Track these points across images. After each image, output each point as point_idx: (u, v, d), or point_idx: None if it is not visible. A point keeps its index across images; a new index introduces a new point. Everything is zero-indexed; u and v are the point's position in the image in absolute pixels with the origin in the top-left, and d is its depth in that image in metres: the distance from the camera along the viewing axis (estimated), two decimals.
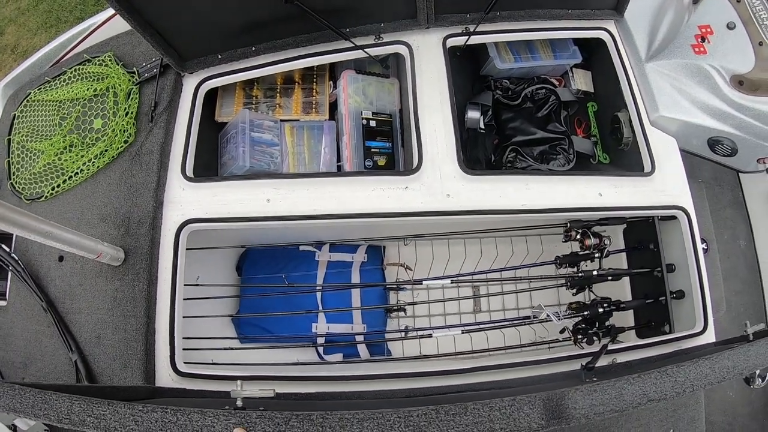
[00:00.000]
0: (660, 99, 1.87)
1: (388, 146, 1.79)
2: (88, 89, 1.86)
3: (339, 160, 1.78)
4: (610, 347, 1.65)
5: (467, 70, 2.09)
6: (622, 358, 1.65)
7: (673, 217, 1.80)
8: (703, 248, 2.23)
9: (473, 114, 1.91)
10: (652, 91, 1.88)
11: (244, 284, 1.91)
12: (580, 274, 1.76)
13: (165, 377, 1.49)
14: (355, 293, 1.86)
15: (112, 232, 1.62)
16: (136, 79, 1.81)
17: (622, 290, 2.02)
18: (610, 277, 1.79)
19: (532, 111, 1.98)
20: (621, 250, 1.98)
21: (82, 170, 1.76)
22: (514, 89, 1.97)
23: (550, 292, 1.97)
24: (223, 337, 1.77)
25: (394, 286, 1.88)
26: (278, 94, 1.84)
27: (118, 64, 1.86)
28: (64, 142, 1.81)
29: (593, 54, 2.07)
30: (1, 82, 2.15)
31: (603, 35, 1.94)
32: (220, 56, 1.74)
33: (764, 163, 2.09)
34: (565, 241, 1.81)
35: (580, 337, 1.75)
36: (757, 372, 1.30)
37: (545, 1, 1.82)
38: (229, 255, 1.95)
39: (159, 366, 1.49)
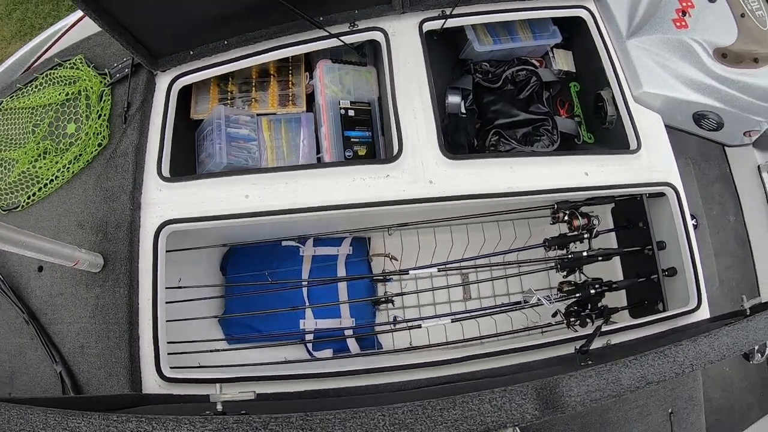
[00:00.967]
0: (643, 75, 1.85)
1: (367, 135, 1.76)
2: (60, 94, 1.82)
3: (318, 151, 1.75)
4: (604, 329, 1.63)
5: (446, 54, 2.05)
6: (616, 339, 1.63)
7: (662, 194, 1.78)
8: (693, 224, 2.21)
9: (454, 99, 1.88)
10: (635, 67, 1.86)
11: (228, 284, 1.88)
12: (569, 256, 1.73)
13: (152, 383, 1.46)
14: (342, 287, 1.83)
15: (90, 238, 1.59)
16: (108, 81, 1.77)
17: (613, 270, 2.00)
18: (600, 258, 1.77)
19: (513, 93, 1.95)
20: (610, 230, 1.96)
21: (57, 177, 1.72)
22: (494, 72, 1.94)
23: (541, 275, 1.94)
24: (211, 339, 1.74)
25: (381, 277, 1.84)
26: (253, 88, 1.80)
27: (89, 66, 1.82)
28: (38, 149, 1.77)
29: (574, 33, 2.04)
30: None
31: (583, 13, 1.91)
32: (192, 52, 1.69)
33: (750, 136, 2.08)
34: (553, 223, 1.79)
35: (573, 319, 1.73)
36: (756, 347, 1.26)
37: None
38: (212, 255, 1.91)
39: (145, 372, 1.46)
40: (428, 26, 1.77)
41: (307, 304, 1.81)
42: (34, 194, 1.72)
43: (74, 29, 1.98)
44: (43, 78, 1.88)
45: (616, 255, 1.86)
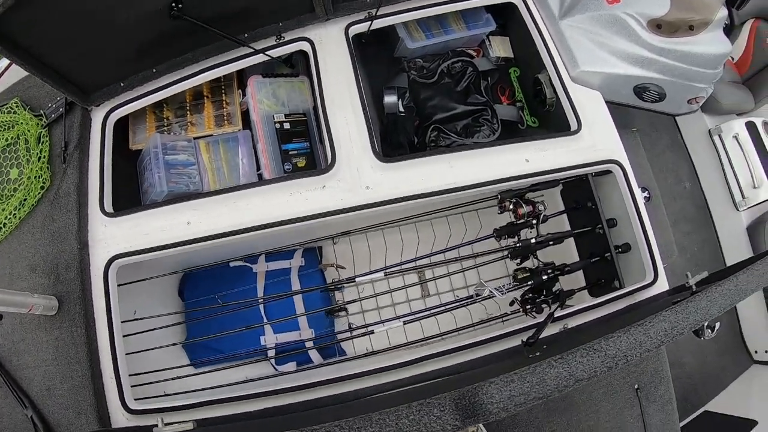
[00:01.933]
0: (579, 54, 1.84)
1: (305, 146, 1.75)
2: None
3: (259, 168, 1.75)
4: (562, 312, 1.63)
5: (381, 54, 2.04)
6: (575, 321, 1.64)
7: (608, 172, 1.77)
8: (646, 197, 2.22)
9: (390, 98, 1.87)
10: (570, 47, 1.85)
11: (187, 309, 1.89)
12: (519, 245, 1.74)
13: (119, 418, 1.48)
14: (298, 300, 1.84)
15: (43, 282, 1.60)
16: (45, 122, 1.77)
17: (570, 253, 2.01)
18: (551, 242, 1.78)
19: (450, 86, 1.94)
20: (559, 213, 1.96)
21: (5, 224, 1.72)
22: (429, 67, 1.93)
23: (497, 265, 1.95)
24: (177, 366, 1.75)
25: (331, 287, 1.86)
26: (189, 112, 1.80)
27: (25, 109, 1.82)
28: None
29: (508, 19, 2.03)
30: None
31: None
32: (122, 84, 1.69)
33: (696, 102, 2.07)
34: (501, 213, 1.79)
35: (529, 307, 1.74)
36: (705, 323, 1.22)
37: None
38: (168, 282, 1.92)
39: (111, 408, 1.48)
40: (355, 30, 1.76)
41: (265, 320, 1.82)
42: None
43: (7, 72, 1.96)
44: None
45: (567, 237, 1.87)
